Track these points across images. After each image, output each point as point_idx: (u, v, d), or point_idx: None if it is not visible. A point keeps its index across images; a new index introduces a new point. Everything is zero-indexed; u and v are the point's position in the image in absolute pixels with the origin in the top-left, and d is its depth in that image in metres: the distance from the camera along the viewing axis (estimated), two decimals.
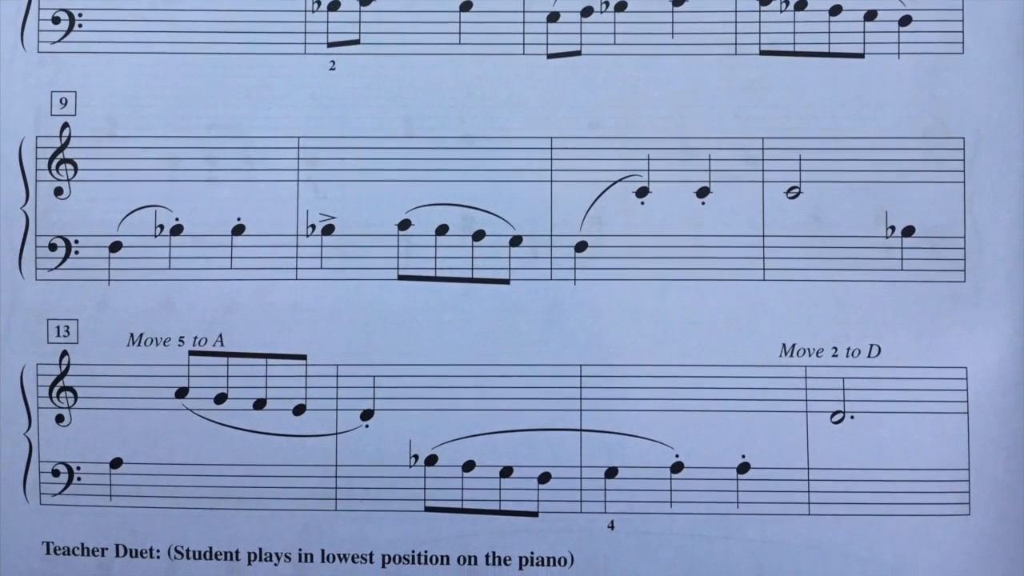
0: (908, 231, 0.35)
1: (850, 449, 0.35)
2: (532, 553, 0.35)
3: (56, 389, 0.35)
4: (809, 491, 0.35)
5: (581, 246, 0.35)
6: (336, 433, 0.35)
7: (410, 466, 0.35)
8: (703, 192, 0.35)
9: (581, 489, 0.35)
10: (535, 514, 0.35)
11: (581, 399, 0.35)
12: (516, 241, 0.35)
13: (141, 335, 0.35)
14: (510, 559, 0.35)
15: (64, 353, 0.35)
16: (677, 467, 0.35)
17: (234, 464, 0.35)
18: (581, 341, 0.35)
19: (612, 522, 0.35)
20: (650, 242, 0.35)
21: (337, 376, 0.35)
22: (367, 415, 0.35)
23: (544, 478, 0.35)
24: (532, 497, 0.35)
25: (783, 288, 0.35)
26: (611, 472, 0.35)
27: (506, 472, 0.35)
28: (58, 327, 0.35)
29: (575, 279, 0.35)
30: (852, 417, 0.35)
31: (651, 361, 0.35)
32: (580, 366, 0.35)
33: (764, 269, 0.35)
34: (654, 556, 0.35)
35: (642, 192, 0.35)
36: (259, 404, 0.35)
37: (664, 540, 0.35)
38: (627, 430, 0.35)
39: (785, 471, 0.35)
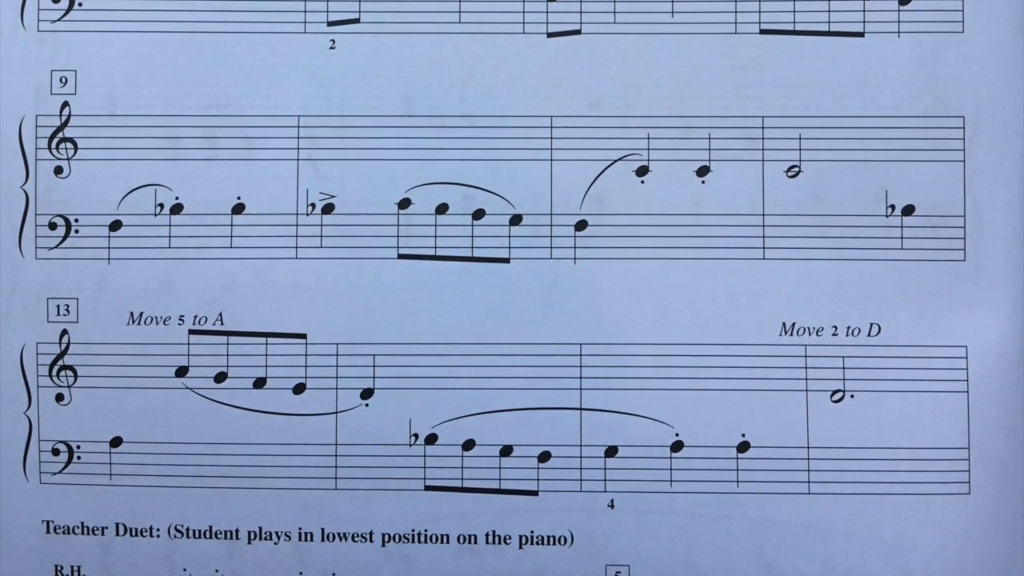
0: (908, 210, 0.35)
1: (850, 428, 0.35)
2: (532, 532, 0.35)
3: (56, 368, 0.35)
4: (809, 470, 0.35)
5: (581, 225, 0.35)
6: (336, 412, 0.35)
7: (410, 445, 0.35)
8: (703, 171, 0.35)
9: (581, 468, 0.35)
10: (535, 493, 0.35)
11: (581, 378, 0.35)
12: (516, 220, 0.35)
13: (141, 314, 0.35)
14: (510, 538, 0.35)
15: (64, 332, 0.35)
16: (677, 446, 0.35)
17: (234, 443, 0.35)
18: (581, 320, 0.35)
19: (612, 501, 0.35)
20: (650, 221, 0.35)
21: (337, 355, 0.35)
22: (367, 394, 0.35)
23: (544, 457, 0.35)
24: (532, 476, 0.35)
25: (783, 267, 0.35)
26: (611, 451, 0.35)
27: (506, 451, 0.35)
28: (58, 306, 0.35)
29: (575, 258, 0.35)
30: (852, 396, 0.35)
31: (651, 340, 0.35)
32: (580, 345, 0.35)
33: (764, 248, 0.35)
34: (654, 535, 0.35)
35: (642, 171, 0.35)
36: (259, 383, 0.35)
37: (664, 519, 0.35)
38: (627, 409, 0.35)
39: (785, 450, 0.35)
